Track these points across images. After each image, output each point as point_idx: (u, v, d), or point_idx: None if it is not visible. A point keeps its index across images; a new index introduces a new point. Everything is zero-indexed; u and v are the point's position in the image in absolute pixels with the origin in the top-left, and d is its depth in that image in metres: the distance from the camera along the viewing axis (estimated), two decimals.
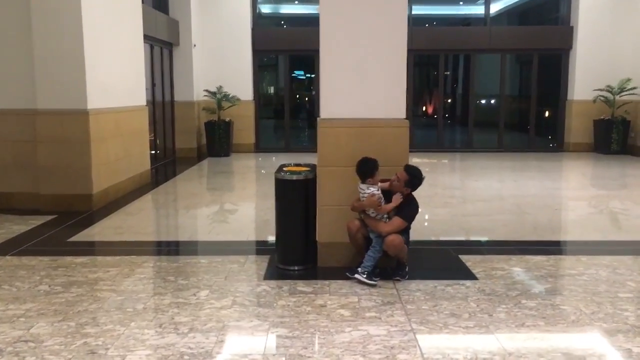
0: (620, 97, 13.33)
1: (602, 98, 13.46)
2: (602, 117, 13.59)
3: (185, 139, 13.37)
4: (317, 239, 5.07)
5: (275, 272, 4.93)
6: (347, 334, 3.66)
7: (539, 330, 3.71)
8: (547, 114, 15.55)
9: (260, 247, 5.78)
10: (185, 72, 13.19)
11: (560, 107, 14.53)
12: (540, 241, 6.05)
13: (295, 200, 4.98)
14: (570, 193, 8.86)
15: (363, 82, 4.93)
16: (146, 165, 9.62)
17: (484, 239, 6.03)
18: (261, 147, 14.53)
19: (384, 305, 4.14)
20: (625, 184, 9.95)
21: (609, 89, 13.38)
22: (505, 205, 7.74)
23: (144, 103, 9.66)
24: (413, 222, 4.69)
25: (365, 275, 4.55)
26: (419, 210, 4.68)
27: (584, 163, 12.38)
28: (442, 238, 6.14)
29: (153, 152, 11.75)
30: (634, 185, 9.75)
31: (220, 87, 13.30)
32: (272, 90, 17.70)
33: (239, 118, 13.72)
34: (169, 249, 6.02)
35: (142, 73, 9.54)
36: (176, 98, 13.21)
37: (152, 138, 11.91)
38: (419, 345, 3.48)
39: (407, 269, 4.76)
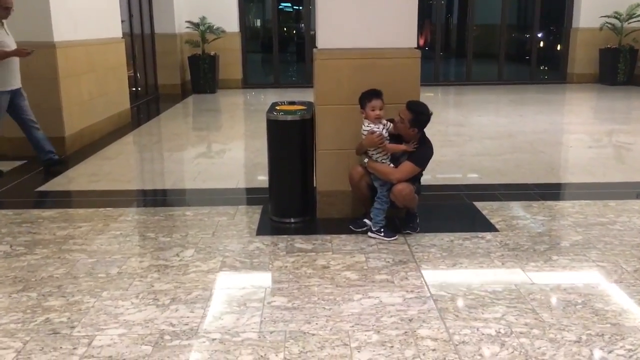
0: (628, 24, 12.55)
1: (609, 25, 12.67)
2: (608, 46, 12.84)
3: (168, 75, 12.55)
4: (315, 187, 4.49)
5: (269, 226, 4.37)
6: (356, 302, 3.12)
7: (579, 294, 3.19)
8: (550, 43, 14.78)
9: (252, 196, 5.19)
10: (165, 1, 12.22)
11: (564, 36, 13.74)
12: (561, 184, 5.52)
13: (290, 144, 4.36)
14: (582, 128, 8.24)
15: (367, 6, 4.22)
16: (125, 103, 8.90)
17: (499, 182, 5.46)
18: (249, 82, 13.72)
19: (396, 265, 3.61)
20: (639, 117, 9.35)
21: (617, 16, 12.57)
22: (515, 143, 7.14)
23: (120, 35, 8.84)
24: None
25: (382, 233, 4.00)
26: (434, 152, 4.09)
27: (591, 95, 11.74)
28: (452, 182, 5.56)
29: (133, 89, 11.00)
30: None
31: (204, 17, 12.35)
32: (259, 23, 16.71)
33: (225, 52, 12.85)
34: (149, 199, 5.39)
35: (115, 1, 8.66)
36: (156, 30, 12.30)
37: (132, 74, 11.14)
38: (441, 317, 2.96)
39: (418, 220, 4.21)
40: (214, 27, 12.28)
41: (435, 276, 3.44)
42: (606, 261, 3.62)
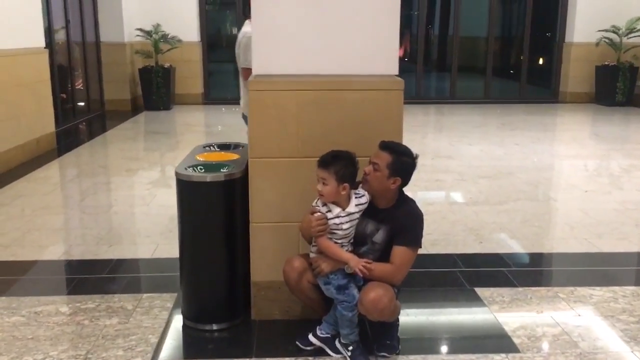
0: (628, 39, 11.39)
1: (606, 40, 11.49)
2: (605, 63, 11.66)
3: (115, 89, 11.04)
4: (251, 277, 3.07)
5: (180, 337, 2.94)
6: None
7: None
8: (540, 58, 13.61)
9: (170, 273, 3.71)
10: (113, 6, 10.74)
11: (557, 51, 12.55)
12: (588, 254, 4.11)
13: (210, 214, 2.94)
14: (593, 164, 6.84)
15: (327, 14, 2.85)
16: (48, 126, 7.42)
17: (506, 250, 4.09)
18: (211, 97, 12.27)
19: None
20: None
21: (615, 30, 11.41)
22: (518, 185, 5.78)
23: (42, 45, 7.36)
24: None
25: (349, 353, 2.64)
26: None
27: (589, 118, 10.52)
28: (443, 250, 4.12)
29: (70, 105, 9.56)
30: None
31: (158, 25, 10.90)
32: (228, 30, 15.28)
33: (183, 63, 11.41)
34: (19, 280, 3.68)
35: (35, 3, 7.18)
36: (102, 38, 10.82)
37: (70, 88, 9.67)
38: None
39: (398, 332, 2.81)
40: (169, 36, 10.85)
41: None
42: None
